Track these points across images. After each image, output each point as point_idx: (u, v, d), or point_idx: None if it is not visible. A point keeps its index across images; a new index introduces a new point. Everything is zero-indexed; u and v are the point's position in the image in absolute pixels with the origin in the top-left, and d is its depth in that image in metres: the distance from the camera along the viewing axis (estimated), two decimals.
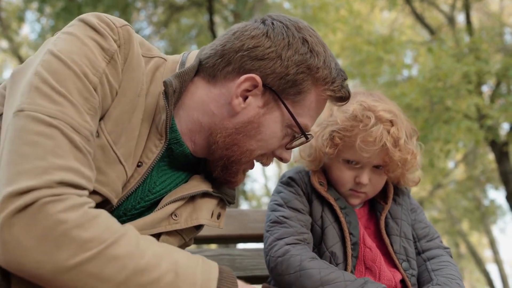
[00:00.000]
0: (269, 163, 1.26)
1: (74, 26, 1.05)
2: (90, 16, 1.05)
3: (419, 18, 12.53)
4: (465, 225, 22.14)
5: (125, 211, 1.15)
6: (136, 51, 1.09)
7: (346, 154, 1.49)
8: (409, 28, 14.61)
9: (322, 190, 1.52)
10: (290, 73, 1.14)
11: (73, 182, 0.90)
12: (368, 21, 13.37)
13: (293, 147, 1.25)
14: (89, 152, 0.96)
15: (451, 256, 1.57)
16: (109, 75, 1.02)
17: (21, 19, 12.67)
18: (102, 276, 0.86)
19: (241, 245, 7.15)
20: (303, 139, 1.23)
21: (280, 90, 1.15)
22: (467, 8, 11.40)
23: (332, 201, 1.50)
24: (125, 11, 10.34)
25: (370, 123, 1.41)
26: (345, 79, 1.23)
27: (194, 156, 1.22)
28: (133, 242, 0.91)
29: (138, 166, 1.10)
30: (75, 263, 0.84)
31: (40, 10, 10.62)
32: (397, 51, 10.20)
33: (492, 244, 20.21)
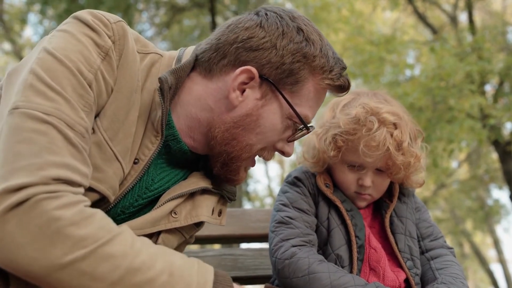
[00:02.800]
0: (271, 158, 1.24)
1: (68, 23, 1.05)
2: (84, 13, 1.05)
3: (421, 18, 12.51)
4: (468, 225, 22.09)
5: (123, 209, 1.14)
6: (131, 47, 1.08)
7: (349, 158, 1.48)
8: (411, 28, 14.58)
9: (328, 192, 1.51)
10: (286, 62, 1.12)
11: (68, 179, 0.89)
12: (370, 21, 13.36)
13: (295, 139, 1.23)
14: (84, 149, 0.95)
15: (454, 256, 1.57)
16: (104, 71, 1.02)
17: (23, 21, 12.72)
18: (95, 275, 0.84)
19: (243, 245, 7.14)
20: (304, 131, 1.21)
21: (277, 80, 1.13)
22: (469, 8, 11.37)
23: (338, 203, 1.49)
24: (127, 13, 10.35)
25: (373, 128, 1.40)
26: (344, 68, 1.21)
27: (193, 153, 1.21)
28: (128, 242, 0.90)
29: (134, 163, 1.10)
30: (68, 260, 0.83)
31: (43, 12, 10.65)
32: (399, 51, 10.17)
33: (496, 243, 20.17)
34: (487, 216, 18.75)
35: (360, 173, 1.49)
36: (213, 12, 10.76)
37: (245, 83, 1.13)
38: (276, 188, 20.88)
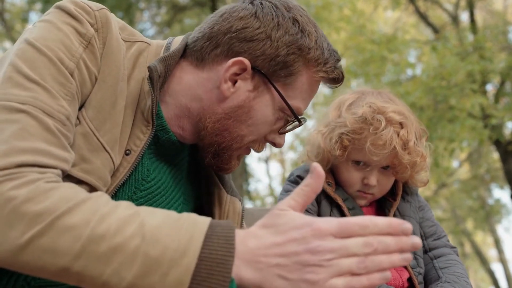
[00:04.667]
0: (262, 150, 1.22)
1: (50, 13, 1.02)
2: (66, 2, 1.02)
3: (423, 17, 12.51)
4: (469, 224, 22.09)
5: None
6: (115, 35, 1.05)
7: (355, 156, 1.48)
8: (412, 27, 14.58)
9: (330, 190, 1.51)
10: (281, 54, 1.09)
11: (36, 163, 0.84)
12: (371, 20, 13.34)
13: (287, 132, 1.21)
14: (64, 135, 0.92)
15: (457, 255, 1.56)
16: (87, 60, 0.99)
17: (24, 20, 12.73)
18: (56, 249, 0.76)
19: None
20: (296, 123, 1.19)
21: (270, 72, 1.11)
22: (471, 7, 11.37)
23: (340, 202, 1.49)
24: (128, 12, 10.36)
25: (380, 127, 1.40)
26: (338, 60, 1.18)
27: (182, 143, 1.19)
28: (93, 208, 0.79)
29: (126, 154, 1.06)
30: (27, 239, 0.76)
31: (44, 11, 10.65)
32: (400, 50, 10.16)
33: (497, 243, 20.17)
34: (488, 216, 18.77)
35: (365, 172, 1.49)
36: (214, 11, 10.74)
37: (237, 74, 1.10)
38: (277, 187, 20.92)
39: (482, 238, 25.95)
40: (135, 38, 1.14)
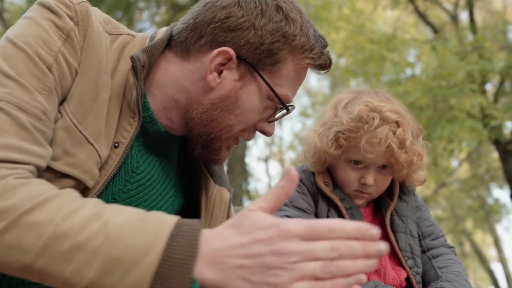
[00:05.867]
0: (251, 138, 1.21)
1: (32, 10, 1.03)
2: None
3: (422, 17, 12.51)
4: (469, 224, 22.11)
5: (113, 195, 1.11)
6: (95, 27, 1.05)
7: (351, 154, 1.48)
8: (412, 27, 14.59)
9: (327, 190, 1.51)
10: (265, 42, 1.08)
11: (6, 158, 0.84)
12: (371, 19, 13.36)
13: (275, 120, 1.20)
14: (40, 130, 0.92)
15: (455, 255, 1.57)
16: (66, 53, 0.99)
17: None
18: (20, 246, 0.76)
19: None
20: (284, 111, 1.18)
21: (255, 61, 1.10)
22: (470, 6, 11.37)
23: (337, 202, 1.49)
24: (128, 11, 10.36)
25: (374, 124, 1.40)
26: (325, 46, 1.17)
27: (170, 134, 1.19)
28: (60, 205, 0.79)
29: (115, 147, 1.06)
30: None
31: None
32: (400, 49, 10.17)
33: (497, 242, 20.19)
34: (488, 215, 18.78)
35: (362, 172, 1.49)
36: None
37: (223, 64, 1.10)
38: None
39: (481, 238, 25.99)
40: (120, 31, 1.14)
